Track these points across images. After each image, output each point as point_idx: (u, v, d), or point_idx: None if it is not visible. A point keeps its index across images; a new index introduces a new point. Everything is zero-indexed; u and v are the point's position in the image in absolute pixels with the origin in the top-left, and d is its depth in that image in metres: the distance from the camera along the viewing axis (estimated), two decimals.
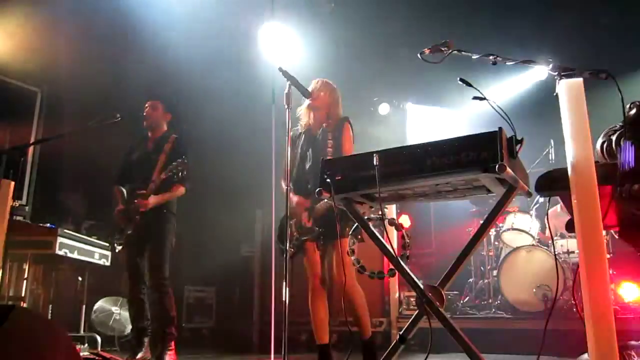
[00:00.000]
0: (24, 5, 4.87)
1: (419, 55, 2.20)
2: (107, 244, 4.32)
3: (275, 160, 3.34)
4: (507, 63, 2.04)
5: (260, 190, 5.01)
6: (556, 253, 4.41)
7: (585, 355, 1.74)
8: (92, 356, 3.75)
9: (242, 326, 5.19)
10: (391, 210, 4.56)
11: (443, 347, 2.47)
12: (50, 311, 4.27)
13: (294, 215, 2.96)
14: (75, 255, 3.99)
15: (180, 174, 3.45)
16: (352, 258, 2.37)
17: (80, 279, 4.62)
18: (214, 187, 5.34)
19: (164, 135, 3.83)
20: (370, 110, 6.38)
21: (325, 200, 2.13)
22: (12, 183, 2.93)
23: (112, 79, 5.24)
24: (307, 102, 3.11)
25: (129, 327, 4.64)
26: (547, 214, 2.85)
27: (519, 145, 1.88)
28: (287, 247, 2.74)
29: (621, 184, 1.80)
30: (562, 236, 4.52)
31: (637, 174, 1.78)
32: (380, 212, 2.08)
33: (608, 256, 3.73)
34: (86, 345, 4.29)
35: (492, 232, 4.93)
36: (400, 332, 2.04)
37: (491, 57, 2.05)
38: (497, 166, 1.76)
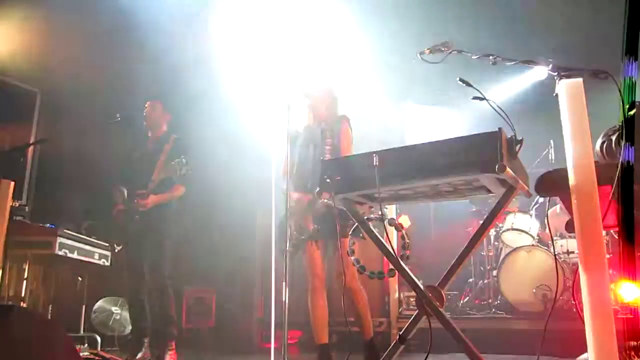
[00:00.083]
0: (23, 5, 4.87)
1: (418, 55, 2.20)
2: (107, 244, 4.33)
3: (275, 160, 3.34)
4: (507, 63, 2.04)
5: (260, 190, 5.00)
6: (556, 253, 4.41)
7: (585, 356, 1.74)
8: (92, 356, 3.75)
9: (242, 326, 5.19)
10: (391, 211, 4.56)
11: (443, 347, 2.47)
12: (50, 311, 4.27)
13: (294, 212, 2.96)
14: (75, 255, 3.99)
15: (179, 173, 3.46)
16: (352, 258, 2.37)
17: (80, 279, 4.62)
18: (214, 187, 5.34)
19: (163, 135, 3.83)
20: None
21: (326, 200, 2.13)
22: (12, 183, 2.93)
23: (112, 79, 5.24)
24: (306, 101, 3.12)
25: (129, 327, 4.64)
26: (547, 214, 2.85)
27: (518, 146, 1.88)
28: (287, 247, 2.74)
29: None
30: (562, 236, 4.52)
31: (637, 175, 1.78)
32: (380, 212, 2.08)
33: (608, 256, 3.73)
34: (86, 345, 4.29)
35: (492, 232, 4.93)
36: (400, 332, 2.04)
37: (491, 57, 2.05)
38: (497, 166, 1.76)
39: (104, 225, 4.46)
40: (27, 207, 4.82)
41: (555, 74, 1.87)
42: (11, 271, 3.83)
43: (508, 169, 1.78)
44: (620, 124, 1.69)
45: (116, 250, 3.66)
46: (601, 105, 2.48)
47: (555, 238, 4.49)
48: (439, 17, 5.50)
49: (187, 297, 5.44)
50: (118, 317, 4.79)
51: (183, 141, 3.80)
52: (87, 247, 4.20)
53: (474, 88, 2.08)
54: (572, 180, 1.78)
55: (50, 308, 4.28)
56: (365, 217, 2.20)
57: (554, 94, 1.89)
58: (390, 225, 2.14)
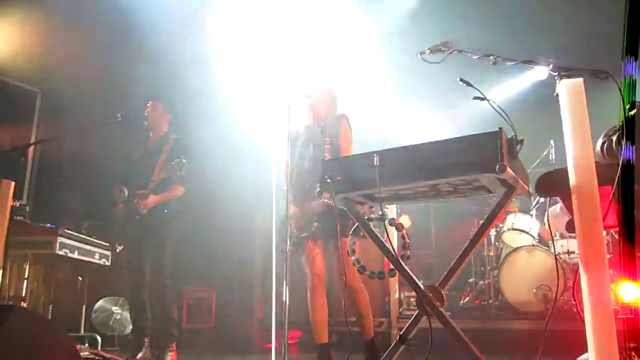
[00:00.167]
0: (23, 5, 4.87)
1: (418, 55, 2.20)
2: (108, 244, 4.33)
3: (275, 160, 3.35)
4: (507, 63, 2.04)
5: (260, 190, 5.00)
6: (556, 253, 4.41)
7: (586, 356, 1.74)
8: (92, 356, 3.75)
9: (242, 326, 5.19)
10: (392, 211, 4.56)
11: (443, 347, 2.47)
12: (50, 311, 4.27)
13: (292, 214, 2.97)
14: (75, 255, 3.99)
15: (178, 173, 3.46)
16: (353, 258, 2.37)
17: (80, 278, 4.62)
18: (214, 187, 5.33)
19: (164, 135, 3.83)
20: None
21: (326, 200, 2.13)
22: (13, 183, 2.93)
23: (113, 79, 5.24)
24: (306, 102, 3.13)
25: (129, 327, 4.64)
26: (548, 213, 2.85)
27: (519, 146, 1.88)
28: (287, 247, 2.74)
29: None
30: (563, 236, 4.52)
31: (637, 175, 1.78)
32: (380, 212, 2.08)
33: (608, 256, 3.73)
34: (86, 345, 4.29)
35: (493, 232, 4.93)
36: (401, 332, 2.04)
37: (491, 57, 2.05)
38: (497, 166, 1.76)
39: (105, 225, 4.47)
40: (27, 207, 4.81)
41: (556, 74, 1.87)
42: (12, 271, 3.84)
43: (508, 169, 1.78)
44: (621, 124, 1.69)
45: (117, 250, 3.66)
46: (601, 105, 2.48)
47: (555, 238, 4.49)
48: (439, 17, 5.50)
49: (187, 298, 5.44)
50: (118, 317, 4.79)
51: (183, 141, 3.80)
52: (88, 247, 4.20)
53: (475, 88, 2.09)
54: (572, 181, 1.78)
55: (50, 308, 4.28)
56: (366, 217, 2.20)
57: (555, 94, 1.89)
58: (390, 225, 2.14)
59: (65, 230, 3.91)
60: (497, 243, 4.97)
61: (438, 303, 1.97)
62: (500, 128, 1.83)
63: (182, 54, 5.21)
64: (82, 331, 4.47)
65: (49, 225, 3.87)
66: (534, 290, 4.10)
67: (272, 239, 3.16)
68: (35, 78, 5.43)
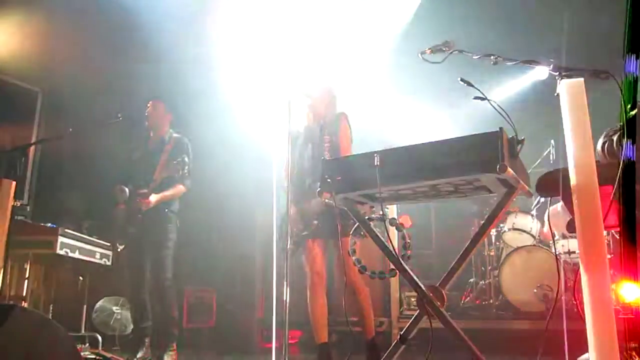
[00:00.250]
0: (25, 5, 4.87)
1: (419, 55, 2.20)
2: (109, 244, 4.33)
3: (276, 160, 3.34)
4: (508, 63, 2.04)
5: (260, 190, 5.00)
6: (557, 253, 4.41)
7: (586, 356, 1.73)
8: (93, 356, 3.75)
9: (243, 326, 5.19)
10: (392, 211, 4.56)
11: (443, 347, 2.47)
12: (51, 311, 4.27)
13: (292, 212, 2.97)
14: (76, 255, 3.99)
15: (180, 172, 3.46)
16: (353, 258, 2.37)
17: (81, 278, 4.62)
18: (214, 187, 5.33)
19: (165, 135, 3.84)
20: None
21: (327, 200, 2.13)
22: (14, 183, 2.93)
23: (114, 78, 5.24)
24: (306, 101, 3.13)
25: (130, 327, 4.64)
26: (548, 212, 2.85)
27: (519, 146, 1.88)
28: (287, 246, 2.74)
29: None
30: (564, 236, 4.51)
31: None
32: (381, 212, 2.08)
33: (609, 256, 3.73)
34: (87, 345, 4.29)
35: (493, 232, 4.93)
36: (401, 332, 2.04)
37: (492, 57, 2.05)
38: (498, 166, 1.76)
39: (106, 224, 4.47)
40: (28, 207, 4.83)
41: (557, 73, 1.87)
42: (12, 271, 3.84)
43: (509, 169, 1.77)
44: (622, 123, 1.69)
45: (119, 250, 3.66)
46: (602, 105, 2.48)
47: (556, 238, 4.49)
48: (439, 17, 5.50)
49: (187, 297, 5.44)
50: (119, 316, 4.79)
51: (184, 140, 3.80)
52: (89, 247, 4.20)
53: (475, 88, 2.09)
54: (573, 180, 1.78)
55: (51, 307, 4.29)
56: (367, 217, 2.20)
57: (555, 94, 1.89)
58: (391, 225, 2.14)
59: (66, 230, 3.91)
60: (497, 243, 4.97)
61: (439, 303, 1.97)
62: (500, 128, 1.83)
63: (183, 54, 5.21)
64: (83, 331, 4.47)
65: (49, 225, 3.87)
66: (535, 290, 4.10)
67: (273, 237, 3.16)
68: (36, 77, 5.43)
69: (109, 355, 3.76)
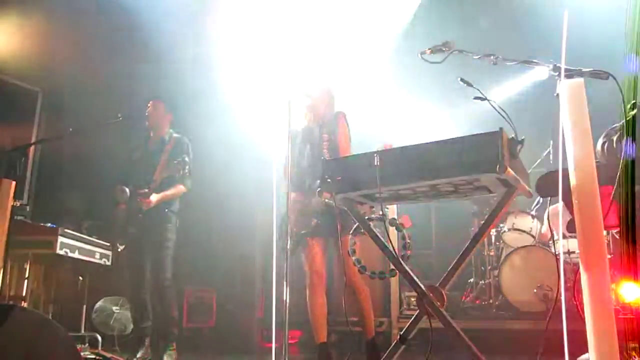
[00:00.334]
0: (25, 5, 4.87)
1: (419, 55, 2.20)
2: (108, 244, 4.33)
3: (276, 160, 3.34)
4: (508, 63, 2.04)
5: (261, 190, 5.00)
6: (557, 253, 4.40)
7: (586, 356, 1.73)
8: (92, 356, 3.75)
9: (242, 326, 5.19)
10: (392, 211, 4.55)
11: (443, 347, 2.47)
12: (51, 311, 4.27)
13: (293, 210, 2.96)
14: (76, 255, 3.99)
15: (180, 172, 3.46)
16: (353, 258, 2.37)
17: (81, 278, 4.62)
18: (214, 187, 5.34)
19: (165, 135, 3.84)
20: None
21: (327, 200, 2.13)
22: (13, 183, 2.93)
23: (114, 78, 5.24)
24: (305, 101, 3.14)
25: (129, 327, 4.64)
26: (548, 211, 2.85)
27: (519, 146, 1.88)
28: (287, 246, 2.73)
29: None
30: (563, 236, 4.51)
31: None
32: (381, 212, 2.08)
33: (609, 256, 3.73)
34: (87, 345, 4.29)
35: (493, 232, 4.93)
36: (401, 332, 2.04)
37: (492, 57, 2.05)
38: (498, 166, 1.76)
39: (105, 224, 4.47)
40: (28, 207, 4.82)
41: (556, 74, 1.87)
42: (12, 271, 3.84)
43: (509, 169, 1.77)
44: (622, 123, 1.69)
45: (119, 250, 3.66)
46: (602, 105, 2.48)
47: (555, 238, 4.48)
48: (439, 17, 5.50)
49: (187, 297, 5.44)
50: (119, 316, 4.79)
51: (184, 140, 3.80)
52: (88, 247, 4.20)
53: (475, 88, 2.09)
54: (573, 181, 1.78)
55: (51, 307, 4.29)
56: (367, 217, 2.20)
57: (555, 94, 1.89)
58: (391, 225, 2.14)
59: (66, 230, 3.91)
60: (497, 243, 4.97)
61: (438, 303, 1.97)
62: (500, 128, 1.83)
63: (183, 53, 5.21)
64: (83, 331, 4.47)
65: (49, 225, 3.87)
66: (535, 290, 4.10)
67: (273, 236, 3.16)
68: (36, 77, 5.43)
69: (108, 355, 3.76)
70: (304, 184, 3.04)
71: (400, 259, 2.08)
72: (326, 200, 2.13)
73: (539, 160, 5.14)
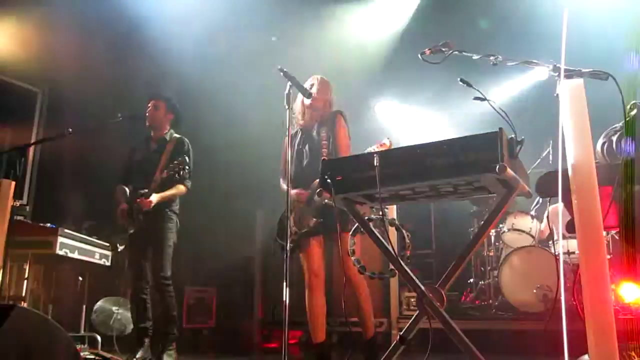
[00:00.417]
0: (24, 5, 4.87)
1: (419, 55, 2.20)
2: (108, 244, 4.33)
3: (276, 159, 3.35)
4: (508, 64, 2.04)
5: (261, 190, 5.01)
6: (557, 253, 4.40)
7: (586, 357, 1.73)
8: (92, 356, 3.75)
9: (243, 326, 5.20)
10: (392, 211, 4.55)
11: (443, 348, 2.47)
12: (50, 311, 4.27)
13: (293, 208, 2.96)
14: (75, 255, 3.99)
15: (180, 172, 3.46)
16: (353, 258, 2.37)
17: (80, 278, 4.62)
18: (215, 187, 5.34)
19: (166, 135, 3.83)
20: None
21: (326, 200, 2.13)
22: (13, 183, 2.93)
23: (114, 78, 5.24)
24: (305, 100, 3.14)
25: (129, 327, 4.63)
26: (548, 211, 2.85)
27: (519, 146, 1.88)
28: (287, 245, 2.73)
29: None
30: (563, 236, 4.51)
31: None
32: (380, 213, 2.08)
33: (608, 257, 3.73)
34: (86, 345, 4.29)
35: (493, 232, 4.93)
36: (401, 333, 2.04)
37: (492, 58, 2.05)
38: (497, 167, 1.76)
39: (105, 224, 4.47)
40: (28, 207, 4.82)
41: (556, 74, 1.87)
42: (12, 271, 3.84)
43: (509, 170, 1.78)
44: (621, 124, 1.69)
45: (119, 250, 3.66)
46: (602, 105, 2.48)
47: (555, 238, 4.48)
48: (440, 17, 5.50)
49: (187, 297, 5.44)
50: (119, 317, 4.79)
51: (185, 140, 3.80)
52: (88, 247, 4.20)
53: (475, 89, 2.09)
54: (572, 181, 1.78)
55: (50, 308, 4.29)
56: (366, 217, 2.20)
57: (555, 95, 1.89)
58: (391, 225, 2.14)
59: (66, 230, 3.90)
60: (497, 243, 4.97)
61: (438, 303, 1.97)
62: (500, 128, 1.83)
63: (184, 53, 5.21)
64: (82, 331, 4.47)
65: (49, 225, 3.87)
66: (534, 291, 4.09)
67: (273, 237, 3.17)
68: (36, 77, 5.43)
69: (108, 355, 3.76)
70: (303, 183, 3.04)
71: (400, 259, 2.08)
72: (326, 200, 2.12)
73: (539, 160, 5.14)
